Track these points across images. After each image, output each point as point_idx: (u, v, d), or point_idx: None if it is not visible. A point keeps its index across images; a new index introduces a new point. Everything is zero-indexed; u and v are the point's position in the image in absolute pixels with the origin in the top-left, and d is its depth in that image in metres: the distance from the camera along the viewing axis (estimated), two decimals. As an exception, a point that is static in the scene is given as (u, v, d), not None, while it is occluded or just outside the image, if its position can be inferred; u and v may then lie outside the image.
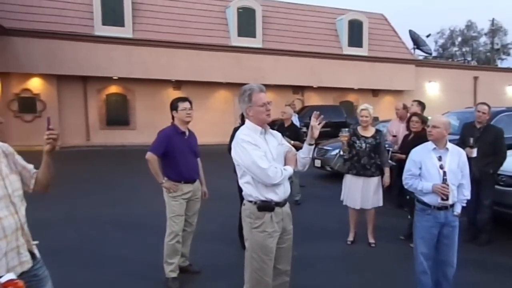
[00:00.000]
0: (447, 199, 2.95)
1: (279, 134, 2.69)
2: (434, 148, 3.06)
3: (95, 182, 8.23)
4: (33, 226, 2.12)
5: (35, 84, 14.21)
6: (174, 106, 3.55)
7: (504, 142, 4.59)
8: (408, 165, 3.17)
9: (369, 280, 3.78)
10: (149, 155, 3.46)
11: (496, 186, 4.67)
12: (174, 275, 3.52)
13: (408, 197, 4.44)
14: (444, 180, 2.93)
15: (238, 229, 4.29)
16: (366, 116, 4.55)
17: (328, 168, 8.47)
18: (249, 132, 2.50)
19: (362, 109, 4.60)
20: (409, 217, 5.65)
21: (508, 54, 40.23)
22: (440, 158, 3.01)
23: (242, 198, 2.73)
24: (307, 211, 6.15)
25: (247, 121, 2.58)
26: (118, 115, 15.45)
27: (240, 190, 2.63)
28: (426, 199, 3.05)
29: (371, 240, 4.70)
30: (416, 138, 4.67)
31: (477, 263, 4.09)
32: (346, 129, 4.60)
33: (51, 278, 2.01)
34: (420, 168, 3.07)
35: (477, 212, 4.65)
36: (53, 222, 5.31)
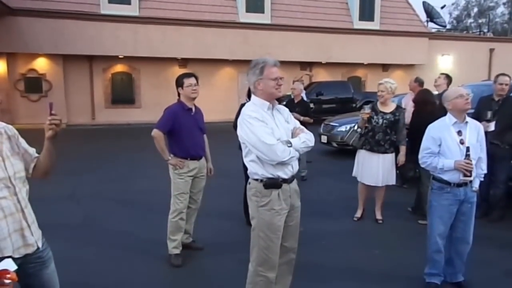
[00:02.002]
0: (470, 175, 2.81)
1: (286, 110, 2.58)
2: (455, 123, 2.89)
3: (100, 160, 8.25)
4: (39, 203, 2.10)
5: (41, 64, 14.19)
6: (179, 82, 3.46)
7: None
8: (426, 143, 2.98)
9: (376, 256, 3.74)
10: (155, 132, 3.41)
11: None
12: (177, 251, 3.52)
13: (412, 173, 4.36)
14: (468, 156, 2.78)
15: (243, 205, 4.27)
16: (382, 91, 4.36)
17: (335, 144, 8.37)
18: (256, 108, 2.40)
19: (379, 83, 4.42)
20: (404, 186, 5.75)
21: (526, 25, 38.65)
22: (459, 133, 2.86)
23: (247, 176, 2.64)
24: (314, 187, 6.10)
25: (253, 97, 2.47)
26: (123, 93, 15.40)
27: (245, 168, 2.54)
28: (446, 176, 2.89)
29: (379, 217, 4.63)
30: (416, 115, 4.55)
31: (489, 239, 3.98)
32: (368, 106, 4.45)
33: (55, 254, 2.01)
34: (439, 145, 2.90)
35: (490, 187, 4.51)
36: (58, 199, 5.35)
